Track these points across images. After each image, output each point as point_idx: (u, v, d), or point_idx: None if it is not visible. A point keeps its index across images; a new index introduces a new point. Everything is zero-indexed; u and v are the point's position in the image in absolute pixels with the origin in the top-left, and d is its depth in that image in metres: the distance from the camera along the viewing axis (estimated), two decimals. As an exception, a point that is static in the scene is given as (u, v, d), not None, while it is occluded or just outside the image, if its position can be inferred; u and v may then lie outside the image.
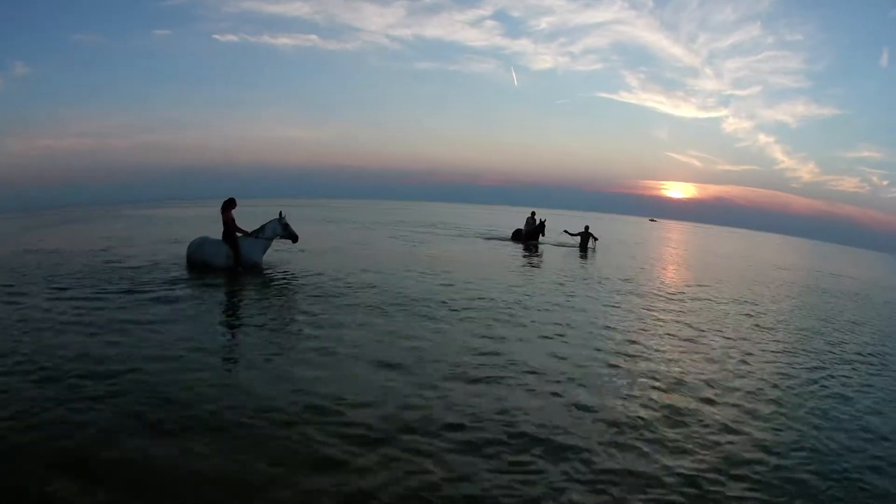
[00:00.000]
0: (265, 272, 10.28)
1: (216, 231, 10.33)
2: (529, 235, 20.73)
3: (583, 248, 20.67)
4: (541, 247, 20.14)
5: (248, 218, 11.02)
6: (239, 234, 10.18)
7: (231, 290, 8.89)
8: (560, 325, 7.80)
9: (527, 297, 9.82)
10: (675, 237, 46.96)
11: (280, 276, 10.08)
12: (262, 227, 10.39)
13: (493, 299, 9.17)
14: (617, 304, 9.97)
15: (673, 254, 27.09)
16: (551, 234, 21.17)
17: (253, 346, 5.92)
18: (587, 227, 21.23)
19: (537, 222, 20.80)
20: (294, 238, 10.55)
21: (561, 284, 11.71)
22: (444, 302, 8.56)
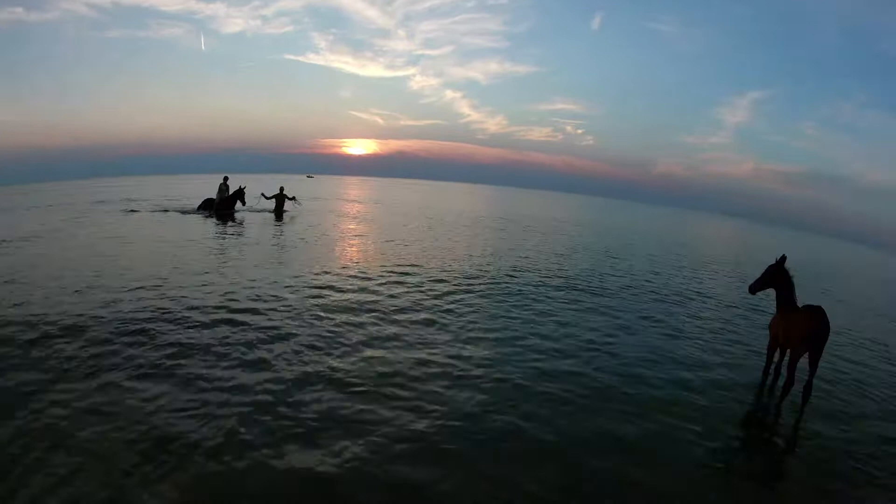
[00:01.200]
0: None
1: None
2: (224, 204, 19.54)
3: (278, 212, 20.62)
4: (239, 215, 19.51)
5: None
6: None
7: None
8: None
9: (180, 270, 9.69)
10: (354, 193, 49.11)
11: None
12: None
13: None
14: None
15: (355, 210, 28.57)
16: (251, 200, 20.43)
17: None
18: (282, 189, 21.23)
19: (230, 189, 19.75)
20: None
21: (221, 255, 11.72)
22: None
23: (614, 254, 18.44)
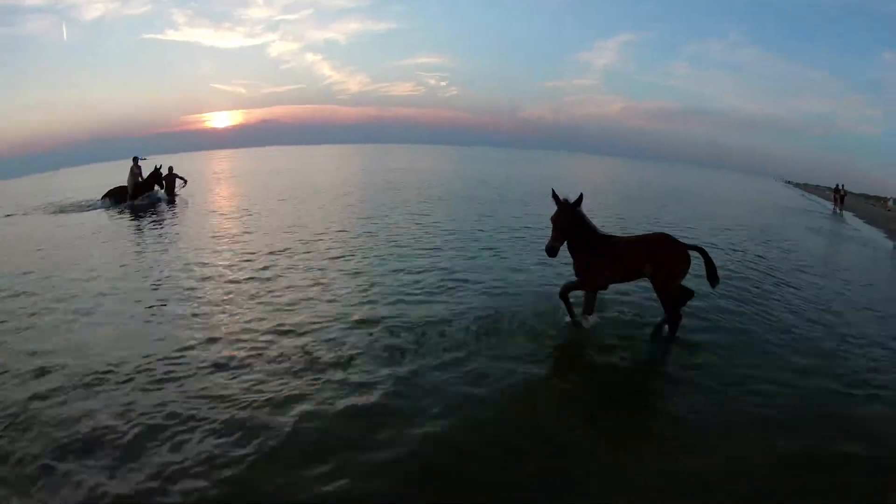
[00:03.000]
0: None
1: None
2: (139, 190, 15.73)
3: (169, 193, 16.80)
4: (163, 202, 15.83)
5: None
6: None
7: None
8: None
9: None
10: (223, 167, 43.58)
11: None
12: None
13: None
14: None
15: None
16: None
17: None
18: (171, 169, 17.08)
19: (143, 171, 15.92)
20: None
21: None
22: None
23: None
